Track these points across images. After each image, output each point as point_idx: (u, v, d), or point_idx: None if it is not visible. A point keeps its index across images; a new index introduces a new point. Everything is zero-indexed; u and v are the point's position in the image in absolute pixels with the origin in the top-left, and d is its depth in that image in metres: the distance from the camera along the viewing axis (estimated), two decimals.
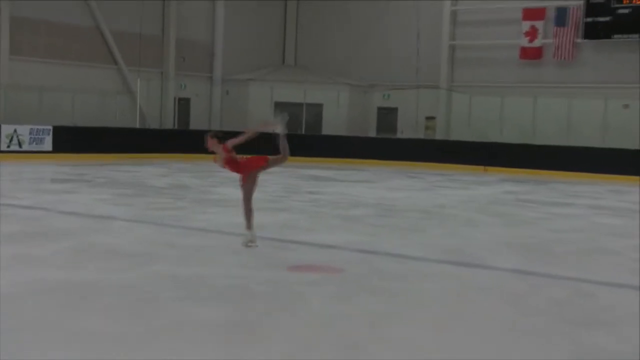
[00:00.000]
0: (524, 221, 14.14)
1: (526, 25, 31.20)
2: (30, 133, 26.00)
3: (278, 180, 21.30)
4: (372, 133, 33.85)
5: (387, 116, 34.48)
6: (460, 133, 31.36)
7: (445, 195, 18.74)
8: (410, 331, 6.35)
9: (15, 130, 25.71)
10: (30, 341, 5.67)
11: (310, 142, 31.28)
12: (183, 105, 33.46)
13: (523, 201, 17.93)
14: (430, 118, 33.31)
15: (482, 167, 28.09)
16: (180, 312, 6.62)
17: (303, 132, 32.83)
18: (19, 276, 7.73)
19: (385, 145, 30.99)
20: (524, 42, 31.28)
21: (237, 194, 10.25)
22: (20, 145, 25.76)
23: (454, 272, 8.95)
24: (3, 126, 25.71)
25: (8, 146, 25.51)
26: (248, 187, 9.85)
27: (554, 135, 28.98)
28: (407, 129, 33.10)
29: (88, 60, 30.04)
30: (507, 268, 9.27)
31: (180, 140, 29.95)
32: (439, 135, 32.54)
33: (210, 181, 20.14)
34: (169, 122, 32.58)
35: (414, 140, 31.20)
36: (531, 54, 31.28)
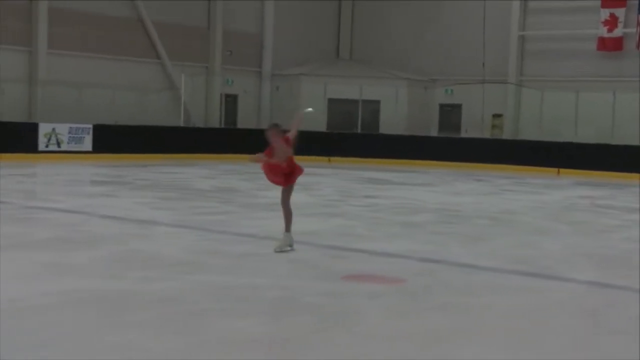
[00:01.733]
0: (600, 229, 13.88)
1: (605, 13, 30.65)
2: (69, 132, 26.42)
3: (332, 183, 21.26)
4: (434, 132, 33.65)
5: (450, 114, 34.24)
6: (531, 132, 30.98)
7: (515, 200, 18.50)
8: (478, 350, 6.22)
9: (53, 129, 26.13)
10: (64, 356, 5.67)
11: (367, 141, 31.24)
12: (230, 102, 33.65)
13: (600, 207, 17.62)
14: (497, 116, 32.97)
15: (554, 169, 27.70)
16: (225, 326, 6.58)
17: (359, 130, 32.77)
18: (54, 285, 7.78)
19: (448, 145, 30.75)
20: (603, 31, 30.74)
21: None
22: (59, 144, 26.18)
23: (524, 285, 8.78)
24: (41, 125, 26.16)
25: (46, 146, 25.95)
26: (290, 189, 9.87)
27: (634, 135, 28.44)
28: (472, 127, 32.82)
29: (129, 54, 30.41)
30: (583, 280, 9.08)
31: (227, 139, 30.15)
32: (506, 135, 32.19)
33: (260, 184, 20.14)
34: (215, 120, 32.78)
35: (480, 140, 30.91)
36: (610, 45, 30.72)
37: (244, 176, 22.44)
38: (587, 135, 29.10)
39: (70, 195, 16.36)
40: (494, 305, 7.80)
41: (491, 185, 22.41)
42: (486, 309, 7.66)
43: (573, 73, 31.48)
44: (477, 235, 12.67)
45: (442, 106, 34.60)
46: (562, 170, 27.63)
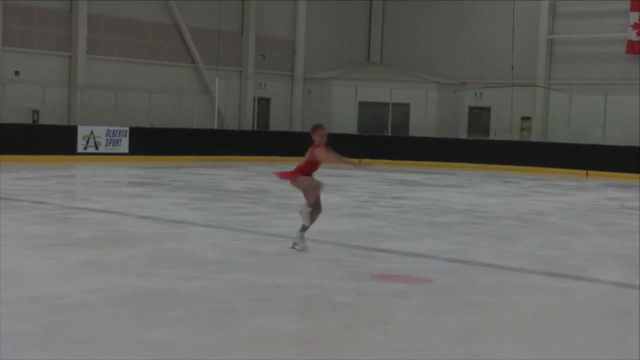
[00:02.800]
0: (628, 230, 13.74)
1: (634, 16, 30.33)
2: (106, 134, 26.65)
3: (362, 184, 21.25)
4: (463, 134, 33.51)
5: (479, 116, 34.08)
6: (559, 134, 30.73)
7: (543, 202, 18.39)
8: (505, 349, 6.19)
9: (91, 132, 26.38)
10: (100, 351, 5.74)
11: (397, 144, 31.19)
12: (263, 105, 33.75)
13: (628, 209, 17.44)
14: (525, 118, 32.77)
15: (582, 172, 27.47)
16: (257, 324, 6.61)
17: (389, 133, 32.73)
18: (91, 283, 7.86)
19: (476, 147, 30.61)
20: (632, 35, 30.41)
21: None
22: (96, 147, 26.42)
23: (552, 285, 8.73)
24: (80, 127, 26.43)
25: (85, 148, 26.20)
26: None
27: None
28: (501, 130, 32.63)
29: (165, 58, 30.64)
30: (610, 281, 9.01)
31: (259, 141, 30.24)
32: (535, 137, 31.97)
33: (290, 185, 20.20)
34: (248, 123, 32.91)
35: (508, 143, 30.73)
36: (639, 48, 30.38)
37: (275, 178, 22.45)
38: (615, 137, 28.81)
39: (107, 196, 16.51)
40: (521, 304, 7.76)
41: (519, 187, 22.27)
42: (513, 308, 7.63)
43: (601, 76, 31.19)
44: (504, 235, 12.62)
45: (471, 109, 34.44)
46: (590, 172, 27.39)
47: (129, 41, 29.68)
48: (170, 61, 30.80)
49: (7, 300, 7.04)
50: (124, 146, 27.05)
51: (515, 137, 32.16)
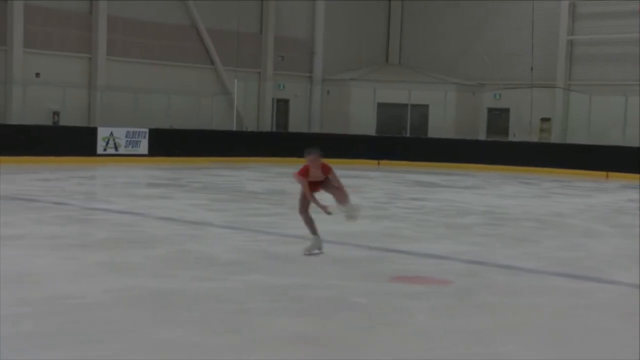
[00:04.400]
0: None
1: None
2: (126, 136, 26.76)
3: (380, 185, 21.23)
4: (482, 136, 33.39)
5: (498, 118, 33.95)
6: (579, 136, 30.54)
7: (562, 204, 18.30)
8: (522, 351, 6.17)
9: (111, 133, 26.50)
10: (117, 351, 5.77)
11: (415, 145, 31.11)
12: (281, 106, 33.80)
13: None
14: (545, 120, 32.61)
15: (603, 173, 27.29)
16: (274, 325, 6.61)
17: (408, 134, 32.66)
18: (109, 283, 7.90)
19: (496, 149, 30.48)
20: None
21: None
22: (116, 148, 26.54)
23: (570, 287, 8.69)
24: (99, 129, 26.56)
25: (104, 149, 26.31)
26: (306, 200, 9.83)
27: None
28: (520, 131, 32.49)
29: (184, 60, 30.73)
30: (630, 283, 8.95)
31: (278, 143, 30.25)
32: (554, 139, 31.80)
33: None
34: (267, 124, 32.96)
35: (528, 144, 30.59)
36: None
37: (294, 179, 22.47)
38: (635, 138, 28.60)
39: (126, 197, 16.59)
40: (538, 306, 7.73)
41: (538, 189, 22.17)
42: (530, 310, 7.59)
43: (622, 77, 30.97)
44: (523, 237, 12.57)
45: (490, 110, 34.32)
46: (610, 173, 27.20)
47: (148, 43, 29.81)
48: (189, 62, 30.89)
49: (25, 300, 7.10)
50: (144, 147, 27.16)
51: (535, 138, 32.00)
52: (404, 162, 29.68)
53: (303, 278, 8.56)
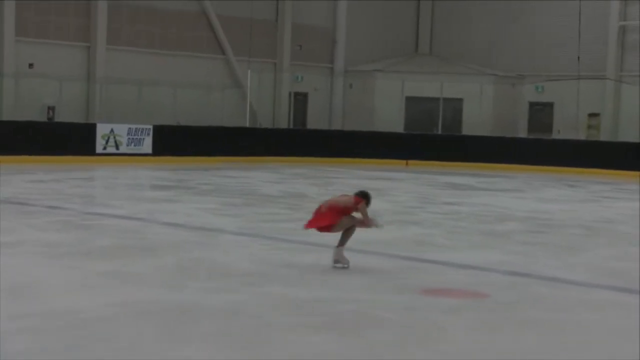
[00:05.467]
0: None
1: None
2: (128, 133, 26.90)
3: (410, 188, 21.23)
4: (523, 133, 33.34)
5: (540, 113, 33.88)
6: (631, 133, 30.44)
7: (612, 208, 18.24)
8: None
9: (112, 130, 26.66)
10: None
11: (448, 143, 31.09)
12: (299, 100, 33.86)
13: None
14: (593, 115, 32.50)
15: None
16: (294, 341, 6.64)
17: (439, 131, 32.65)
18: (113, 296, 7.95)
19: (538, 147, 30.43)
20: None
21: None
22: (117, 146, 26.69)
23: (623, 301, 8.67)
24: (99, 125, 26.71)
25: (104, 148, 26.47)
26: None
27: None
28: (565, 128, 32.41)
29: (192, 49, 30.86)
30: None
31: (295, 141, 30.29)
32: (604, 136, 31.70)
33: (330, 189, 20.23)
34: (283, 121, 33.02)
35: (574, 142, 30.51)
36: None
37: (313, 180, 22.54)
38: None
39: (129, 201, 16.68)
40: (589, 323, 7.71)
41: (586, 192, 22.09)
42: (580, 327, 7.58)
43: None
44: (569, 246, 12.55)
45: (532, 105, 34.25)
46: None
47: (153, 31, 29.94)
48: (198, 52, 31.02)
49: (22, 314, 7.15)
50: (147, 146, 27.29)
51: (582, 135, 31.92)
52: (435, 162, 29.67)
53: (326, 291, 8.58)
